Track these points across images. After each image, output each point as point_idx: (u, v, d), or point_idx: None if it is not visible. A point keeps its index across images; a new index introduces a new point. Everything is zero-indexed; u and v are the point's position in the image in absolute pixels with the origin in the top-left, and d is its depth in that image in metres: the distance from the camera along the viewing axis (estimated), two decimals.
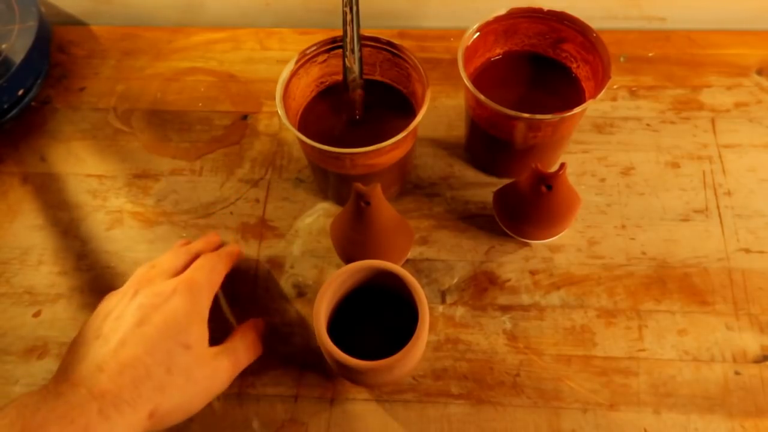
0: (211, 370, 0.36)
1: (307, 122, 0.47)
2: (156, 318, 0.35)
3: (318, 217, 0.49)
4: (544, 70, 0.48)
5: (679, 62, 0.55)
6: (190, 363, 0.35)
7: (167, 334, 0.35)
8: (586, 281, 0.45)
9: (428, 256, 0.46)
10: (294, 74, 0.44)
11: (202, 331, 0.36)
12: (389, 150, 0.41)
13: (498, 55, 0.48)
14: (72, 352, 0.35)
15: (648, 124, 0.52)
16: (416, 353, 0.36)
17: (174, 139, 0.54)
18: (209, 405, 0.41)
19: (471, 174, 0.50)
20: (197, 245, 0.43)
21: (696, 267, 0.45)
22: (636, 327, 0.43)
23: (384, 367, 0.34)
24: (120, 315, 0.36)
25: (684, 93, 0.53)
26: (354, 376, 0.37)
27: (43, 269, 0.47)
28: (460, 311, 0.44)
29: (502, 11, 0.45)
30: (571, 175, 0.49)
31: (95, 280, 0.47)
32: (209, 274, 0.39)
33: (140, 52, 0.59)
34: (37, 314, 0.46)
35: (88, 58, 0.59)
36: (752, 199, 0.48)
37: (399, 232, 0.42)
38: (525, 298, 0.44)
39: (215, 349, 0.37)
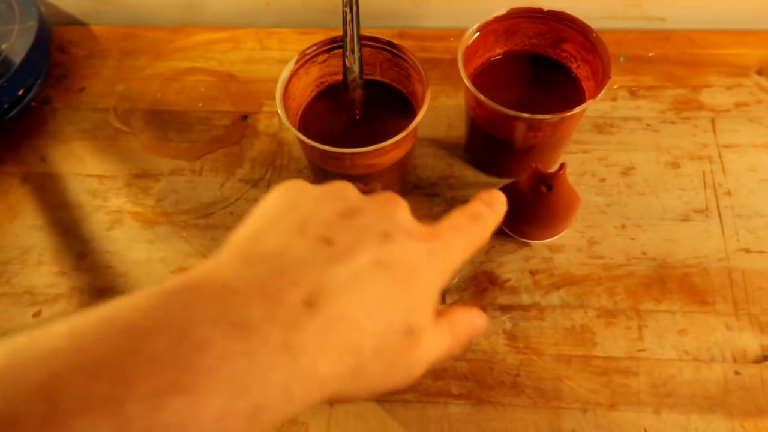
0: (415, 364, 0.26)
1: (307, 122, 0.47)
2: (399, 272, 0.23)
3: None
4: (544, 70, 0.48)
5: (679, 62, 0.55)
6: (399, 349, 0.24)
7: (399, 300, 0.23)
8: (586, 281, 0.45)
9: None
10: (294, 74, 0.44)
11: (428, 315, 0.26)
12: (389, 150, 0.41)
13: (498, 55, 0.48)
14: (268, 240, 0.23)
15: (648, 124, 0.52)
16: None
17: (174, 139, 0.54)
18: None
19: (471, 174, 0.50)
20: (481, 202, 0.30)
21: (696, 267, 0.45)
22: (636, 327, 0.43)
23: None
24: (362, 230, 0.24)
25: (684, 93, 0.53)
26: None
27: (43, 269, 0.47)
28: None
29: (502, 11, 0.45)
30: (571, 175, 0.49)
31: (95, 280, 0.47)
32: (466, 249, 0.27)
33: (140, 52, 0.59)
34: (37, 314, 0.46)
35: (88, 58, 0.59)
36: (752, 199, 0.48)
37: None
38: (525, 298, 0.44)
39: (429, 337, 0.26)
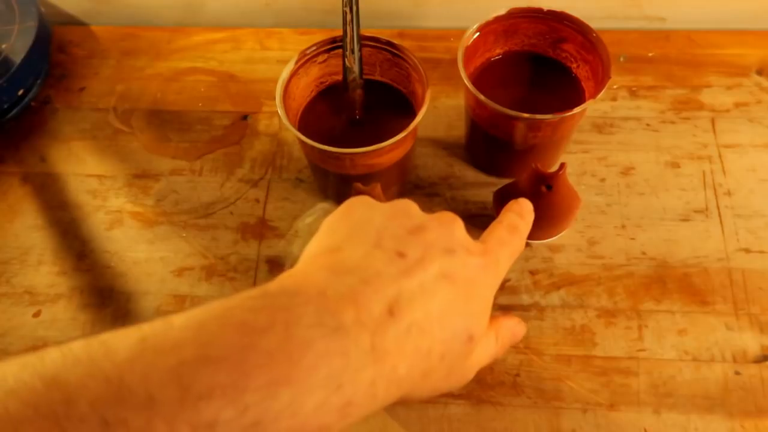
0: (469, 368, 0.28)
1: (307, 122, 0.47)
2: (461, 283, 0.26)
3: (318, 217, 0.49)
4: (544, 70, 0.48)
5: (679, 62, 0.55)
6: (459, 355, 0.26)
7: (463, 310, 0.26)
8: (586, 281, 0.45)
9: None
10: (294, 74, 0.44)
11: (485, 324, 0.28)
12: (389, 150, 0.41)
13: (498, 55, 0.48)
14: (344, 250, 0.25)
15: (648, 124, 0.52)
16: None
17: (174, 139, 0.54)
18: None
19: (471, 174, 0.50)
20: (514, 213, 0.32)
21: (696, 267, 0.45)
22: (636, 327, 0.43)
23: None
24: (429, 245, 0.26)
25: (684, 93, 0.53)
26: None
27: (43, 269, 0.47)
28: None
29: (502, 11, 0.45)
30: (571, 175, 0.49)
31: (95, 280, 0.47)
32: (509, 259, 0.30)
33: (140, 52, 0.59)
34: (37, 314, 0.46)
35: (88, 58, 0.59)
36: (752, 199, 0.48)
37: None
38: (525, 298, 0.44)
39: (482, 344, 0.28)
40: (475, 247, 0.28)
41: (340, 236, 0.27)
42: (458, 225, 0.28)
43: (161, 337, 0.20)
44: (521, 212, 0.32)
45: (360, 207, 0.29)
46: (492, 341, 0.30)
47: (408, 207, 0.28)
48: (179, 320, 0.21)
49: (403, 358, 0.23)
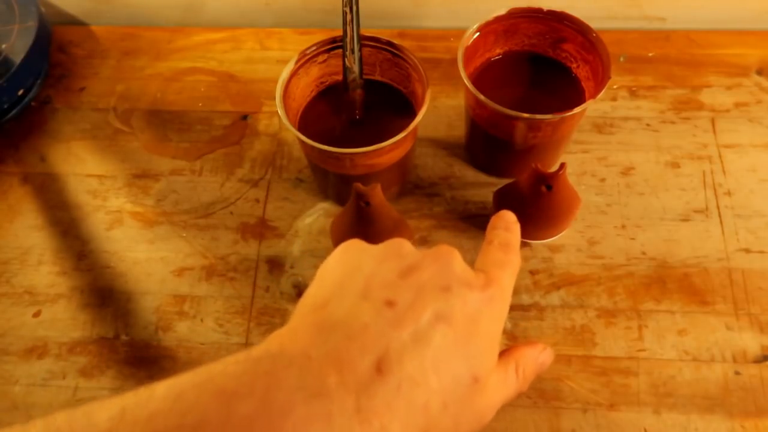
0: (483, 409, 0.26)
1: (307, 122, 0.47)
2: (460, 323, 0.24)
3: (318, 217, 0.49)
4: (544, 70, 0.48)
5: (679, 62, 0.55)
6: (466, 400, 0.24)
7: (463, 352, 0.24)
8: (586, 281, 0.45)
9: None
10: (294, 74, 0.44)
11: (493, 361, 0.26)
12: (389, 150, 0.41)
13: (498, 55, 0.48)
14: (328, 307, 0.24)
15: (648, 124, 0.52)
16: None
17: (174, 139, 0.54)
18: None
19: (471, 174, 0.50)
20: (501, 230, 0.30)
21: (696, 267, 0.45)
22: (636, 327, 0.43)
23: None
24: (421, 287, 0.25)
25: (684, 93, 0.53)
26: None
27: (43, 269, 0.47)
28: None
29: (502, 11, 0.45)
30: (571, 175, 0.49)
31: (95, 280, 0.47)
32: (512, 279, 0.28)
33: (140, 52, 0.59)
34: (37, 314, 0.46)
35: (88, 58, 0.59)
36: (752, 199, 0.48)
37: (399, 232, 0.42)
38: (525, 298, 0.44)
39: (494, 381, 0.26)
40: (475, 279, 0.26)
41: (328, 288, 0.25)
42: (455, 258, 0.26)
43: (141, 407, 0.20)
44: (507, 226, 0.31)
45: (350, 252, 0.27)
46: (510, 375, 0.27)
47: (399, 247, 0.27)
48: (161, 389, 0.21)
49: (394, 417, 0.21)
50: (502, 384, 0.27)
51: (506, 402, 0.27)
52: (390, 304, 0.24)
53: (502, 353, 0.27)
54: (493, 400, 0.26)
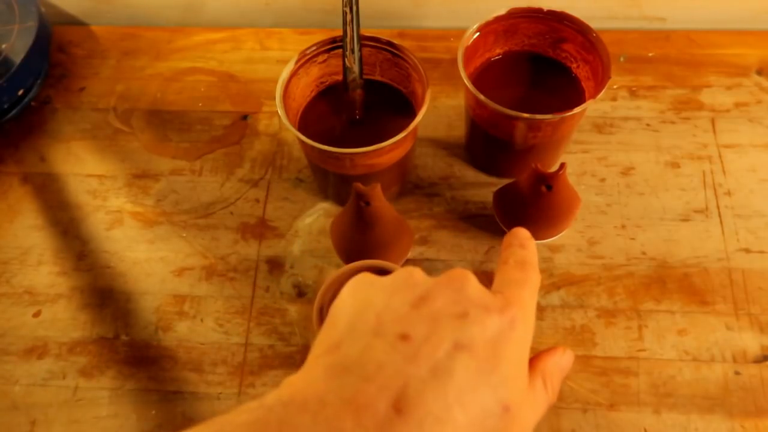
0: None
1: (307, 122, 0.47)
2: (482, 350, 0.23)
3: (318, 217, 0.49)
4: (544, 70, 0.48)
5: (679, 62, 0.55)
6: (498, 430, 0.22)
7: (489, 381, 0.22)
8: (586, 281, 0.45)
9: (428, 256, 0.46)
10: (294, 74, 0.44)
11: (523, 386, 0.24)
12: (389, 150, 0.41)
13: (498, 55, 0.48)
14: (344, 347, 0.23)
15: (648, 124, 0.52)
16: None
17: (174, 139, 0.54)
18: (210, 406, 0.41)
19: (471, 174, 0.50)
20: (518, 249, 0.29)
21: (696, 267, 0.45)
22: (636, 327, 0.43)
23: None
24: (436, 317, 0.24)
25: (684, 93, 0.53)
26: None
27: (43, 269, 0.47)
28: None
29: (502, 11, 0.45)
30: (571, 175, 0.49)
31: (95, 280, 0.47)
32: (533, 298, 0.27)
33: (140, 52, 0.59)
34: (37, 314, 0.46)
35: (88, 58, 0.59)
36: (752, 199, 0.48)
37: (399, 232, 0.42)
38: None
39: (527, 405, 0.25)
40: (493, 302, 0.24)
41: (340, 329, 0.24)
42: (469, 282, 0.25)
43: None
44: (522, 243, 0.29)
45: (359, 288, 0.26)
46: (539, 393, 0.25)
47: (409, 276, 0.25)
48: None
49: None
50: (535, 405, 0.25)
51: (540, 421, 0.25)
52: (404, 338, 0.22)
53: (529, 367, 0.26)
54: (527, 424, 0.24)
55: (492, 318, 0.23)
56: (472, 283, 0.25)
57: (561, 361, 0.27)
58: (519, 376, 0.24)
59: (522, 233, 0.30)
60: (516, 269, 0.27)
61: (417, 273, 0.26)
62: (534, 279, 0.27)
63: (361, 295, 0.25)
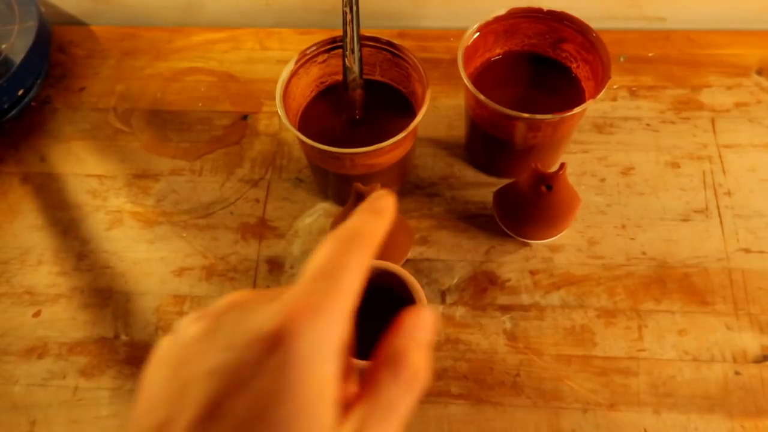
0: None
1: (307, 122, 0.47)
2: (260, 413, 0.17)
3: (318, 217, 0.49)
4: (544, 70, 0.48)
5: (679, 62, 0.55)
6: None
7: None
8: (586, 281, 0.45)
9: (428, 256, 0.46)
10: (294, 74, 0.44)
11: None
12: (389, 150, 0.41)
13: (498, 55, 0.48)
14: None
15: (648, 124, 0.52)
16: None
17: (174, 139, 0.54)
18: None
19: (471, 174, 0.50)
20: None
21: (696, 267, 0.45)
22: (636, 327, 0.43)
23: None
24: (185, 386, 0.18)
25: (684, 93, 0.53)
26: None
27: (43, 269, 0.47)
28: (460, 311, 0.44)
29: (502, 11, 0.45)
30: (571, 175, 0.49)
31: (95, 280, 0.47)
32: (340, 312, 0.19)
33: (140, 52, 0.59)
34: (37, 314, 0.46)
35: (88, 58, 0.59)
36: (752, 199, 0.48)
37: (399, 232, 0.42)
38: (525, 298, 0.44)
39: None
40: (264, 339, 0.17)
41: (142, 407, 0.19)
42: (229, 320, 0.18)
43: None
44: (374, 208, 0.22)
45: (161, 364, 0.19)
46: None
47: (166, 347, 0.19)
48: None
49: None
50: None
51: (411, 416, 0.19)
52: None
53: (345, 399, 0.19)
54: None
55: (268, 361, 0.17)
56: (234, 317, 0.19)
57: (417, 334, 0.20)
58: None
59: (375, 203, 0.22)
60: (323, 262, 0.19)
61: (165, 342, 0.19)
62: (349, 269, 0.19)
63: (162, 373, 0.19)
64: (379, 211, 0.22)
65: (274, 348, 0.17)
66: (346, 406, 0.19)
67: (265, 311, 0.18)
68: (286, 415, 0.17)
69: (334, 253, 0.19)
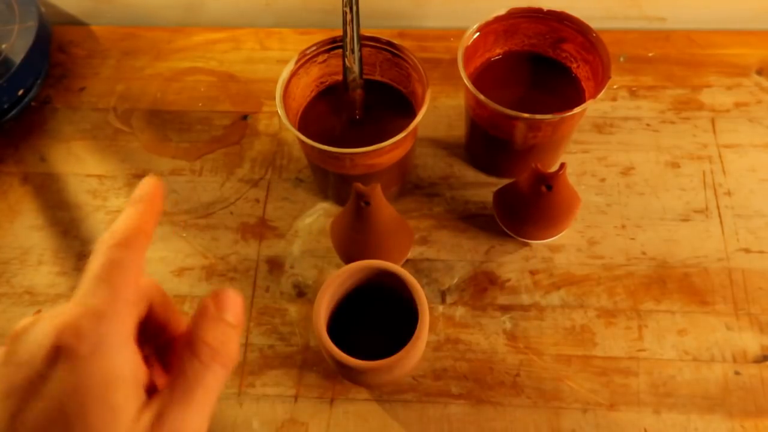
0: None
1: (307, 122, 0.47)
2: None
3: (318, 217, 0.49)
4: (544, 70, 0.48)
5: (679, 62, 0.55)
6: None
7: None
8: (586, 281, 0.45)
9: (428, 256, 0.46)
10: (294, 74, 0.44)
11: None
12: (389, 150, 0.41)
13: (498, 55, 0.48)
14: None
15: (648, 124, 0.52)
16: (416, 353, 0.36)
17: (174, 139, 0.54)
18: None
19: (471, 174, 0.50)
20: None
21: (696, 267, 0.45)
22: (636, 327, 0.43)
23: (384, 367, 0.34)
24: None
25: (684, 93, 0.53)
26: (354, 376, 0.37)
27: (43, 269, 0.47)
28: (460, 311, 0.44)
29: (502, 11, 0.45)
30: (571, 175, 0.49)
31: None
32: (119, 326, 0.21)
33: (140, 52, 0.59)
34: (36, 314, 0.46)
35: (88, 58, 0.59)
36: (752, 199, 0.48)
37: (399, 232, 0.42)
38: (525, 298, 0.44)
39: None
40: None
41: None
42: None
43: None
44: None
45: None
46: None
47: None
48: None
49: None
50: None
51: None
52: None
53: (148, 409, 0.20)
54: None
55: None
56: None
57: (216, 314, 0.22)
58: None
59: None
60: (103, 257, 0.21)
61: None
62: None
63: None
64: (139, 199, 0.24)
65: (59, 354, 0.19)
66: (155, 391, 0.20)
67: (47, 324, 0.20)
68: (81, 409, 0.18)
69: (107, 252, 0.21)
